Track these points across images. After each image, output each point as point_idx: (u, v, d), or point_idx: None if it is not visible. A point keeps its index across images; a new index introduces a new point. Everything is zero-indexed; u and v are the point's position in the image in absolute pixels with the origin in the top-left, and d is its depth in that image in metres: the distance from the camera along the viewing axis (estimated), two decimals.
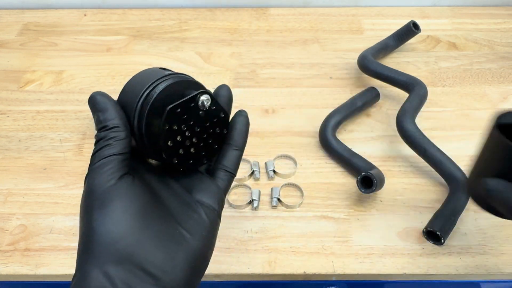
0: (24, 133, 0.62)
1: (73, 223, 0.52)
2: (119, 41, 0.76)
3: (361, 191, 0.50)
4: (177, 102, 0.33)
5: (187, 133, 0.34)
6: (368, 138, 0.61)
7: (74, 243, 0.50)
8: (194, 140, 0.35)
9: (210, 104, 0.35)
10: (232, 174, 0.38)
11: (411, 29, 0.69)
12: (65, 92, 0.67)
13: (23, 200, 0.54)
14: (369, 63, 0.65)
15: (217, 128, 0.36)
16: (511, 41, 0.75)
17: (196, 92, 0.34)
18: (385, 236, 0.50)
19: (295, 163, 0.57)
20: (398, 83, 0.62)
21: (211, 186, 0.36)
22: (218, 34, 0.77)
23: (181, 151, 0.34)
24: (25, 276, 0.48)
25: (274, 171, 0.56)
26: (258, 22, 0.80)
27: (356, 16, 0.81)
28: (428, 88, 0.61)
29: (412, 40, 0.73)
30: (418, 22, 0.70)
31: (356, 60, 0.68)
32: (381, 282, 0.51)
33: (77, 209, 0.53)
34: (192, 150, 0.35)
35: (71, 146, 0.60)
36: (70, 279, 0.47)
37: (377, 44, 0.70)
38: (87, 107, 0.63)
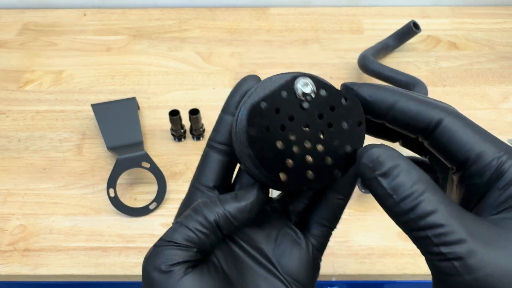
0: (23, 133, 0.61)
1: (73, 223, 0.52)
2: (119, 41, 0.76)
3: (361, 191, 0.49)
4: (262, 96, 0.24)
5: (291, 137, 0.24)
6: (367, 138, 0.60)
7: (74, 243, 0.50)
8: (307, 145, 0.24)
9: (315, 89, 0.24)
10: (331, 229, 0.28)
11: (411, 29, 0.69)
12: (64, 92, 0.67)
13: (23, 200, 0.54)
14: (369, 63, 0.65)
15: (345, 123, 0.24)
16: (511, 41, 0.75)
17: (288, 78, 0.24)
18: (385, 236, 0.50)
19: None
20: (398, 83, 0.62)
21: (302, 251, 0.27)
22: (218, 34, 0.77)
23: (289, 162, 0.24)
24: (24, 276, 0.48)
25: None
26: (258, 22, 0.80)
27: (356, 16, 0.80)
28: (429, 88, 0.61)
29: (412, 40, 0.73)
30: (419, 22, 0.70)
31: (356, 60, 0.68)
32: (381, 282, 0.51)
33: (77, 209, 0.53)
34: (309, 159, 0.24)
35: (71, 146, 0.60)
36: (69, 279, 0.47)
37: (377, 44, 0.70)
38: (87, 107, 0.63)
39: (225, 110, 0.27)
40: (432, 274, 0.20)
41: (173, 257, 0.23)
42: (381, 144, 0.22)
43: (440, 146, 0.22)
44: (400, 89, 0.24)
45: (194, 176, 0.27)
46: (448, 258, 0.19)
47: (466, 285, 0.19)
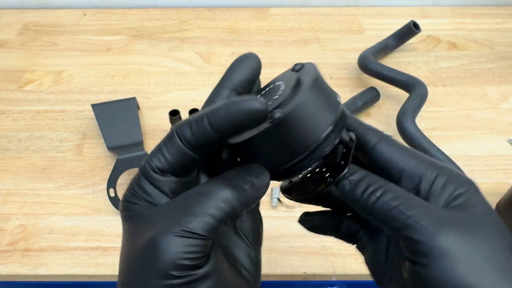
0: (23, 133, 0.62)
1: (73, 223, 0.52)
2: (119, 41, 0.76)
3: None
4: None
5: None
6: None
7: (74, 243, 0.50)
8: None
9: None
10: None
11: (411, 29, 0.69)
12: (64, 92, 0.67)
13: (23, 200, 0.54)
14: (369, 63, 0.65)
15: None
16: (511, 41, 0.75)
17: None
18: None
19: None
20: (398, 83, 0.62)
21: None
22: (218, 34, 0.77)
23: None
24: (24, 276, 0.48)
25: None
26: (258, 22, 0.80)
27: (356, 16, 0.80)
28: (428, 88, 0.61)
29: (412, 40, 0.73)
30: (419, 22, 0.70)
31: (356, 60, 0.68)
32: None
33: (77, 209, 0.53)
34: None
35: (71, 146, 0.60)
36: (69, 279, 0.47)
37: (377, 44, 0.70)
38: (87, 107, 0.63)
39: (222, 84, 0.27)
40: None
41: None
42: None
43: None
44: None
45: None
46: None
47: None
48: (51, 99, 0.66)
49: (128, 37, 0.77)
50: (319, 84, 0.25)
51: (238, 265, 0.27)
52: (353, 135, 0.27)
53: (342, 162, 0.26)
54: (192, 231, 0.22)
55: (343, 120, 0.26)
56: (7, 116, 0.64)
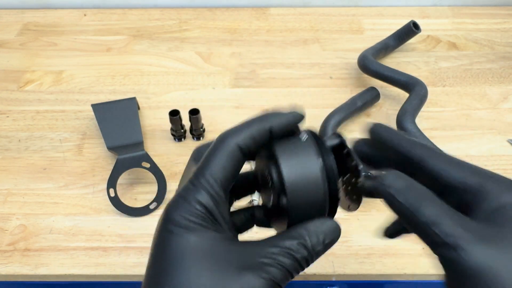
0: (24, 133, 0.62)
1: (73, 223, 0.52)
2: (119, 41, 0.76)
3: None
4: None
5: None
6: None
7: (74, 243, 0.50)
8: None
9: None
10: None
11: (411, 29, 0.69)
12: (65, 92, 0.67)
13: (23, 200, 0.54)
14: (369, 63, 0.65)
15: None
16: (511, 41, 0.75)
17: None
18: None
19: None
20: (398, 83, 0.62)
21: None
22: (218, 34, 0.77)
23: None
24: (25, 276, 0.48)
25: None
26: (258, 22, 0.80)
27: (356, 16, 0.80)
28: (428, 88, 0.61)
29: (412, 40, 0.73)
30: (418, 22, 0.70)
31: (356, 60, 0.68)
32: (381, 282, 0.51)
33: (77, 209, 0.53)
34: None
35: (71, 146, 0.60)
36: (69, 279, 0.47)
37: (377, 44, 0.70)
38: (87, 107, 0.63)
39: (233, 137, 0.27)
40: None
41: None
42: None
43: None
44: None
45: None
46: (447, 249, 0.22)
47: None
48: (51, 99, 0.66)
49: (128, 37, 0.77)
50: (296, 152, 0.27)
51: None
52: (336, 140, 0.29)
53: (354, 163, 0.28)
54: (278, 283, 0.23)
55: (321, 145, 0.27)
56: (7, 116, 0.64)
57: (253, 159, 0.29)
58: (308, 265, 0.25)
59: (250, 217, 0.31)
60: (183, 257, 0.23)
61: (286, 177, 0.26)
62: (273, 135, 0.27)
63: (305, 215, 0.26)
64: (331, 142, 0.28)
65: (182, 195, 0.25)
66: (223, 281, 0.22)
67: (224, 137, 0.26)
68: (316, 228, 0.26)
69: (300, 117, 0.28)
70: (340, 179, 0.29)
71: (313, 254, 0.25)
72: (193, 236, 0.23)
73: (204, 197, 0.24)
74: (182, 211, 0.24)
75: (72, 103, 0.66)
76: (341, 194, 0.28)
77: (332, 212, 0.28)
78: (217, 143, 0.26)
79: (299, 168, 0.26)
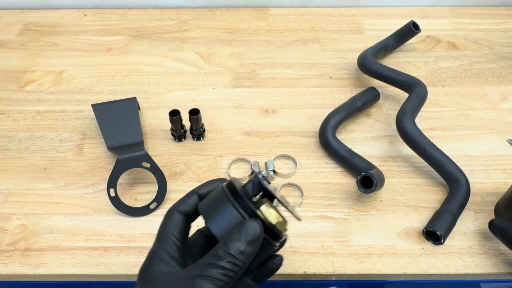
0: (24, 133, 0.62)
1: (73, 223, 0.52)
2: (119, 41, 0.76)
3: (361, 191, 0.50)
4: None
5: None
6: (368, 138, 0.61)
7: (74, 243, 0.50)
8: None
9: None
10: None
11: (411, 29, 0.69)
12: (65, 92, 0.67)
13: (23, 200, 0.54)
14: (369, 63, 0.65)
15: None
16: (511, 41, 0.75)
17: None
18: (385, 236, 0.50)
19: (295, 163, 0.57)
20: (398, 83, 0.62)
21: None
22: (218, 34, 0.77)
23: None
24: (25, 276, 0.48)
25: (274, 171, 0.56)
26: (258, 22, 0.80)
27: (356, 16, 0.81)
28: (428, 88, 0.61)
29: (412, 40, 0.73)
30: (418, 22, 0.70)
31: (356, 60, 0.68)
32: (381, 282, 0.51)
33: (77, 209, 0.53)
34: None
35: (71, 146, 0.60)
36: (70, 279, 0.47)
37: (377, 44, 0.70)
38: (87, 107, 0.64)
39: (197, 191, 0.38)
40: None
41: None
42: None
43: None
44: None
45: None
46: None
47: None
48: (52, 99, 0.66)
49: (128, 37, 0.77)
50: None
51: None
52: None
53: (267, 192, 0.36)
54: None
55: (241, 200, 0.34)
56: (8, 116, 0.64)
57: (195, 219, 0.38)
58: (239, 266, 0.32)
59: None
60: (157, 277, 0.33)
61: (213, 230, 0.34)
62: (200, 197, 0.37)
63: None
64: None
65: (152, 251, 0.36)
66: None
67: (169, 209, 0.37)
68: (236, 232, 0.32)
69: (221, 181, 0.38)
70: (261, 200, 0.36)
71: (238, 256, 0.32)
72: (162, 269, 0.34)
73: (165, 252, 0.35)
74: (148, 261, 0.35)
75: (72, 103, 0.66)
76: (267, 210, 0.35)
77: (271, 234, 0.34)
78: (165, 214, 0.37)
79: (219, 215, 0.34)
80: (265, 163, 0.57)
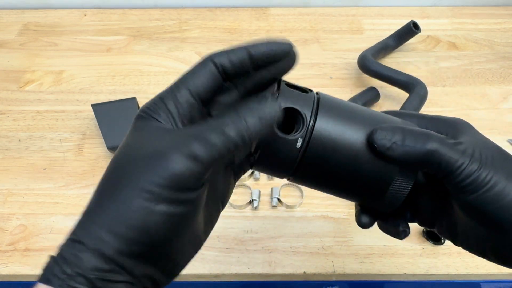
0: (24, 133, 0.62)
1: (73, 223, 0.52)
2: (119, 41, 0.76)
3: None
4: None
5: None
6: None
7: None
8: None
9: None
10: None
11: (411, 29, 0.69)
12: (65, 92, 0.67)
13: (23, 200, 0.54)
14: (369, 63, 0.65)
15: None
16: (511, 41, 0.75)
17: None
18: (385, 236, 0.50)
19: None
20: (398, 83, 0.62)
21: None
22: (218, 34, 0.77)
23: None
24: (25, 276, 0.48)
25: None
26: (258, 22, 0.80)
27: (356, 16, 0.81)
28: (428, 88, 0.61)
29: (412, 40, 0.73)
30: (418, 22, 0.70)
31: (356, 60, 0.68)
32: (381, 282, 0.51)
33: (77, 209, 0.53)
34: None
35: (71, 146, 0.60)
36: None
37: (377, 44, 0.70)
38: (87, 107, 0.63)
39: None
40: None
41: None
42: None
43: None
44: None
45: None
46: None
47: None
48: (51, 99, 0.66)
49: (128, 37, 0.77)
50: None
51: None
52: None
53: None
54: (199, 157, 0.24)
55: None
56: (8, 116, 0.64)
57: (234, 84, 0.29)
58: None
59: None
60: (152, 130, 0.27)
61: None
62: (254, 61, 0.28)
63: None
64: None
65: (158, 96, 0.30)
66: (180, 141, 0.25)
67: (204, 57, 0.29)
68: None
69: (286, 47, 0.27)
70: None
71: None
72: (157, 122, 0.27)
73: (181, 97, 0.29)
74: (151, 105, 0.29)
75: (72, 103, 0.66)
76: None
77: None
78: (198, 62, 0.29)
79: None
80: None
